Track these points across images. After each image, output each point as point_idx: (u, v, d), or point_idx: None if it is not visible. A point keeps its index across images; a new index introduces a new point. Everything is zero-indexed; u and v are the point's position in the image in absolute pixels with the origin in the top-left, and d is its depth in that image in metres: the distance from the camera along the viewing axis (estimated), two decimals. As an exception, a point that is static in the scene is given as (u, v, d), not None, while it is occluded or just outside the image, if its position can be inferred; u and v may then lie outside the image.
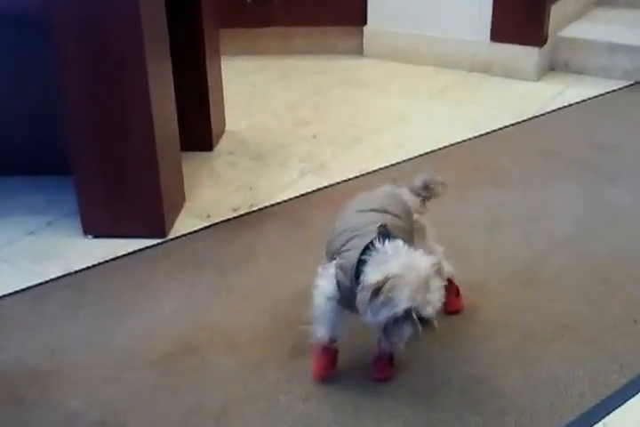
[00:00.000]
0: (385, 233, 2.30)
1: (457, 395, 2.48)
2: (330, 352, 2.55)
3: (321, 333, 2.49)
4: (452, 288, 2.74)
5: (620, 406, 2.44)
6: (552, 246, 3.26)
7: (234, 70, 5.04)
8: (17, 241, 3.38)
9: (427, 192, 2.70)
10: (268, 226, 3.47)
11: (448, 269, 2.68)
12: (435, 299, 2.22)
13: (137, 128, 3.19)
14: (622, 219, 3.47)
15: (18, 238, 3.40)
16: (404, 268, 2.20)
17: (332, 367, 2.56)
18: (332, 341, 2.52)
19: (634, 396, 2.48)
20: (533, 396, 2.46)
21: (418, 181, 2.71)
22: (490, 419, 2.38)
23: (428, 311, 2.21)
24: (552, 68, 5.25)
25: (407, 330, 2.22)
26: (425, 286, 2.20)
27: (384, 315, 2.22)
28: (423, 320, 2.21)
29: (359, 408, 2.44)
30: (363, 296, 2.23)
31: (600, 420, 2.39)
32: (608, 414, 2.41)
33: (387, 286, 2.18)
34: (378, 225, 2.34)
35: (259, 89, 5.13)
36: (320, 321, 2.48)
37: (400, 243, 2.28)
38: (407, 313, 2.19)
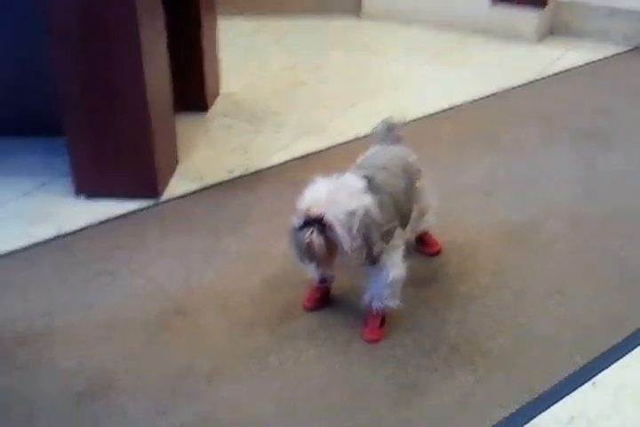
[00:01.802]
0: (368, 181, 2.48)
1: (447, 355, 2.53)
2: (320, 290, 2.76)
3: (311, 274, 2.70)
4: (429, 237, 2.99)
5: (609, 366, 2.50)
6: (547, 210, 3.30)
7: (230, 31, 5.04)
8: (10, 202, 3.41)
9: (391, 133, 2.83)
10: (262, 188, 3.51)
11: (432, 221, 2.89)
12: (336, 211, 2.33)
13: (129, 88, 3.21)
14: (618, 183, 3.51)
15: (11, 199, 3.43)
16: (322, 186, 2.39)
17: (321, 303, 2.76)
18: (322, 281, 2.73)
19: (623, 356, 2.54)
20: (523, 356, 2.52)
21: (379, 127, 2.85)
22: (480, 378, 2.43)
23: (315, 215, 2.33)
24: (552, 31, 5.26)
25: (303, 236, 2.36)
26: (329, 198, 2.35)
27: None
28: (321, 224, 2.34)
29: (350, 369, 2.48)
30: None
31: (589, 379, 2.44)
32: (597, 373, 2.47)
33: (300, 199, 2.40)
34: (363, 175, 2.50)
35: (255, 50, 5.14)
36: None
37: (351, 178, 2.46)
38: (307, 221, 2.36)
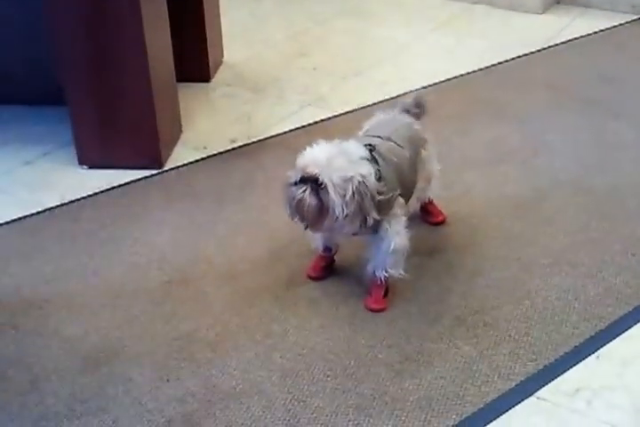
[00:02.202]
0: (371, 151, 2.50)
1: (451, 326, 2.53)
2: (324, 259, 2.77)
3: (315, 243, 2.72)
4: (433, 206, 2.99)
5: (613, 339, 2.49)
6: (553, 182, 3.29)
7: (232, -1, 5.04)
8: (13, 170, 3.43)
9: (417, 109, 2.83)
10: (265, 158, 3.50)
11: (436, 190, 2.90)
12: (332, 174, 2.35)
13: (130, 57, 3.21)
14: (625, 155, 3.48)
15: (14, 168, 3.44)
16: (324, 149, 2.42)
17: (325, 272, 2.77)
18: (327, 250, 2.74)
19: (628, 329, 2.53)
20: (528, 328, 2.52)
21: (409, 99, 2.86)
22: (484, 349, 2.43)
23: (311, 174, 2.36)
24: (558, 0, 5.20)
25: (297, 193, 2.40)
26: (328, 161, 2.37)
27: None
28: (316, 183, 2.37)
29: (353, 338, 2.49)
30: None
31: (594, 352, 2.44)
32: (602, 346, 2.46)
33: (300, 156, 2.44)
34: (367, 143, 2.52)
35: (258, 19, 5.11)
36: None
37: (354, 145, 2.48)
38: (302, 179, 2.39)
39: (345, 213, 2.37)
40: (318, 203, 2.37)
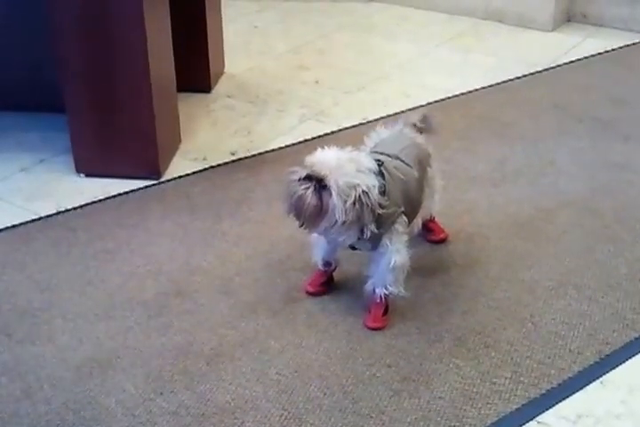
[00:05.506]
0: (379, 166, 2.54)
1: (452, 346, 2.56)
2: (323, 275, 2.82)
3: (315, 257, 2.76)
4: (434, 224, 3.04)
5: (619, 365, 2.52)
6: (559, 203, 3.32)
7: (234, 10, 5.08)
8: (9, 178, 3.47)
9: (424, 124, 2.89)
10: (265, 171, 3.54)
11: (437, 207, 2.95)
12: (339, 178, 2.40)
13: (131, 66, 3.26)
14: (633, 177, 3.52)
15: (10, 175, 3.48)
16: (335, 152, 2.48)
17: (324, 288, 2.82)
18: (326, 265, 2.78)
19: (634, 355, 2.55)
20: (531, 351, 2.54)
21: (416, 114, 2.93)
22: (485, 372, 2.46)
23: (318, 173, 2.41)
24: (569, 18, 5.27)
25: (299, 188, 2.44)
26: (337, 165, 2.42)
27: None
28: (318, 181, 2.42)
29: (351, 356, 2.52)
30: None
31: (598, 378, 2.46)
32: (607, 372, 2.48)
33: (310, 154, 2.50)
34: (375, 158, 2.57)
35: (260, 30, 5.17)
36: (314, 247, 2.74)
37: (364, 156, 2.55)
38: (307, 176, 2.43)
39: (343, 218, 2.41)
40: (318, 203, 2.41)
